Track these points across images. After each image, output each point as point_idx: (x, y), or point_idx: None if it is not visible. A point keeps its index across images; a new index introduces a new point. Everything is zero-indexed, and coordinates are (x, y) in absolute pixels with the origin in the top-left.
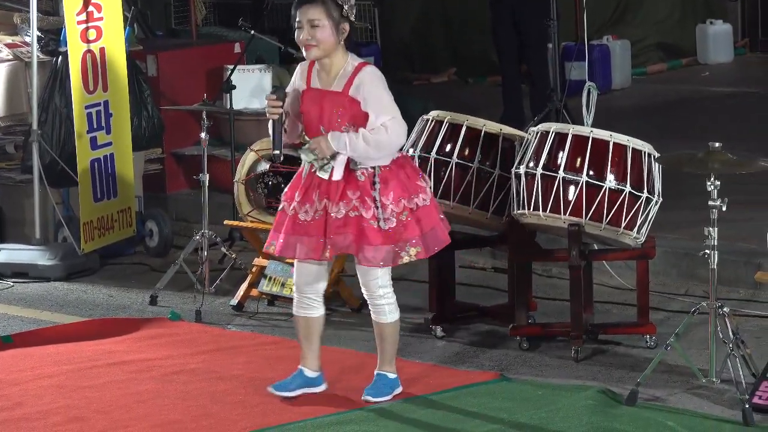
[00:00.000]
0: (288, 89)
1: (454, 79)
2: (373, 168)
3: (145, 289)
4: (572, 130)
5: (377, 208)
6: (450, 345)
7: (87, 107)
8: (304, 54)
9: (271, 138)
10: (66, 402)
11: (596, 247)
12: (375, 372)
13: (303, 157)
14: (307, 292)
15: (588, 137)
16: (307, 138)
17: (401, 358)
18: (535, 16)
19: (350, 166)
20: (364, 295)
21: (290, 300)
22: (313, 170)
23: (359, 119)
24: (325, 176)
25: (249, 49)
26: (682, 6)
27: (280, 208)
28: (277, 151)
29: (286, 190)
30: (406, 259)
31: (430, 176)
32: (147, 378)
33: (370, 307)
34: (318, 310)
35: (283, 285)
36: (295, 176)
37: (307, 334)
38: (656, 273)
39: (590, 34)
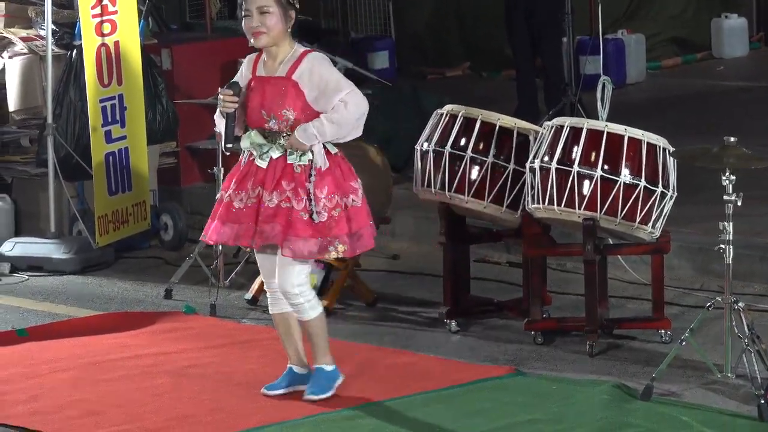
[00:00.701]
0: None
1: (468, 73)
2: (310, 161)
3: (160, 283)
4: (587, 124)
5: (310, 200)
6: (464, 339)
7: (101, 101)
8: (253, 42)
9: (223, 131)
10: (81, 395)
11: (611, 242)
12: (313, 367)
13: (243, 144)
14: (275, 288)
15: (603, 131)
16: (248, 126)
17: (415, 353)
18: (548, 9)
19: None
20: (282, 296)
21: None
22: (252, 159)
23: (302, 105)
24: (264, 165)
25: None
26: (696, 0)
27: (217, 197)
28: (230, 144)
29: (224, 179)
30: (333, 255)
31: (444, 170)
32: (162, 372)
33: (290, 307)
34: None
35: None
36: (234, 166)
37: (285, 330)
38: (671, 268)
39: (605, 28)
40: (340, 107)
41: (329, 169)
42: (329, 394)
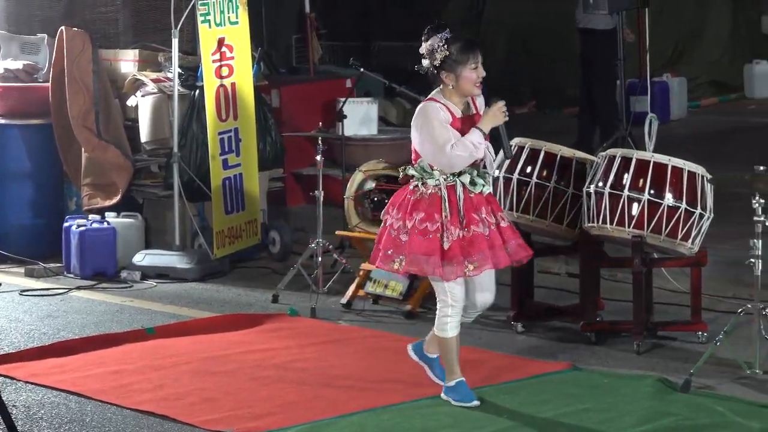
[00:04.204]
0: (443, 123)
1: (534, 110)
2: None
3: (269, 289)
4: (636, 154)
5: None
6: (528, 339)
7: (220, 133)
8: (474, 91)
9: (503, 141)
10: (200, 385)
11: (656, 256)
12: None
13: (463, 180)
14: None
15: (650, 161)
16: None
17: (486, 350)
18: (600, 57)
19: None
20: (481, 305)
21: (392, 299)
22: (465, 191)
23: None
24: (478, 190)
25: (358, 84)
26: (732, 48)
27: (423, 236)
28: (511, 154)
29: (429, 226)
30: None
31: (513, 194)
32: (269, 365)
33: (466, 317)
34: None
35: (386, 286)
36: (425, 205)
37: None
38: (708, 278)
39: (652, 72)
40: None
41: None
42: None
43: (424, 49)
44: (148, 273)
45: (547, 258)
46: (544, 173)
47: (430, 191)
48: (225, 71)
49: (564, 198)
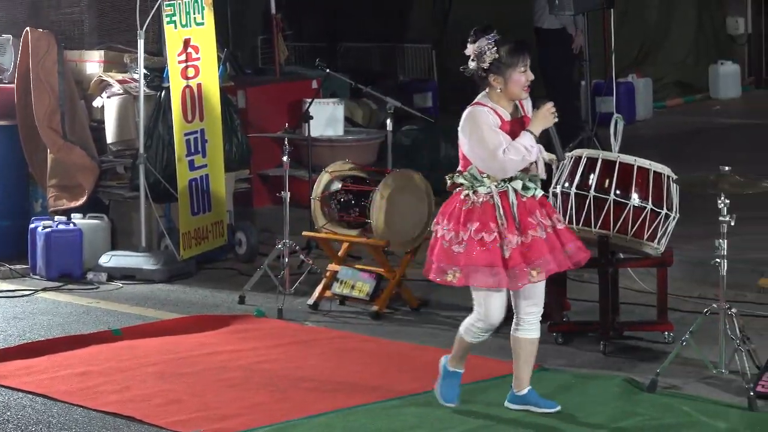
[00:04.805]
0: (492, 127)
1: None
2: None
3: (235, 290)
4: (602, 155)
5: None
6: (496, 340)
7: (186, 134)
8: (523, 95)
9: (554, 144)
10: (166, 386)
11: (622, 256)
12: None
13: (515, 185)
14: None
15: (615, 161)
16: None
17: None
18: (554, 56)
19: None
20: (533, 311)
21: (358, 300)
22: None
23: None
24: (530, 193)
25: (324, 85)
26: (696, 49)
27: (490, 240)
28: (563, 155)
29: (483, 236)
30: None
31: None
32: (236, 366)
33: (526, 324)
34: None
35: (352, 287)
36: (476, 213)
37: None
38: (674, 279)
39: (617, 73)
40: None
41: None
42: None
43: (471, 51)
44: (114, 274)
45: None
46: None
47: (481, 199)
48: (191, 72)
49: None
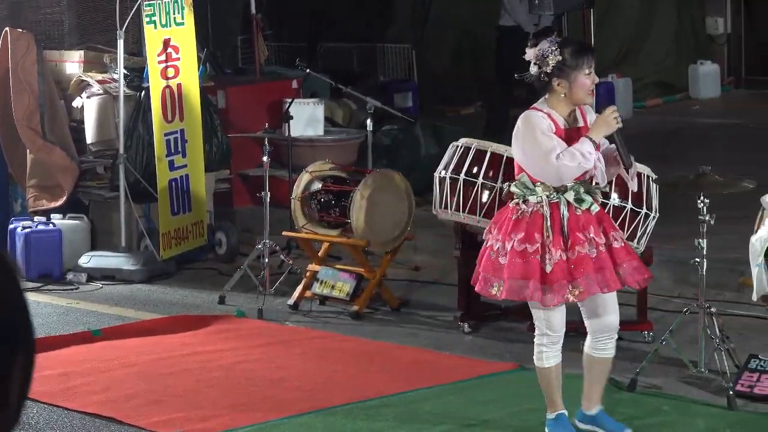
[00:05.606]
0: (546, 132)
1: (480, 110)
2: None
3: (215, 291)
4: None
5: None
6: (476, 339)
7: (166, 134)
8: (588, 99)
9: (619, 150)
10: (147, 387)
11: None
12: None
13: (569, 197)
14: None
15: None
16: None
17: (433, 351)
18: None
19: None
20: (605, 329)
21: (339, 300)
22: (571, 208)
23: None
24: (585, 206)
25: (304, 85)
26: (676, 49)
27: (520, 259)
28: (632, 159)
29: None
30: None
31: (459, 194)
32: (216, 366)
33: (599, 343)
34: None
35: (333, 287)
36: (521, 224)
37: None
38: (654, 278)
39: (597, 73)
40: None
41: None
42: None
43: (532, 55)
44: (94, 275)
45: None
46: (491, 173)
47: (531, 209)
48: (171, 72)
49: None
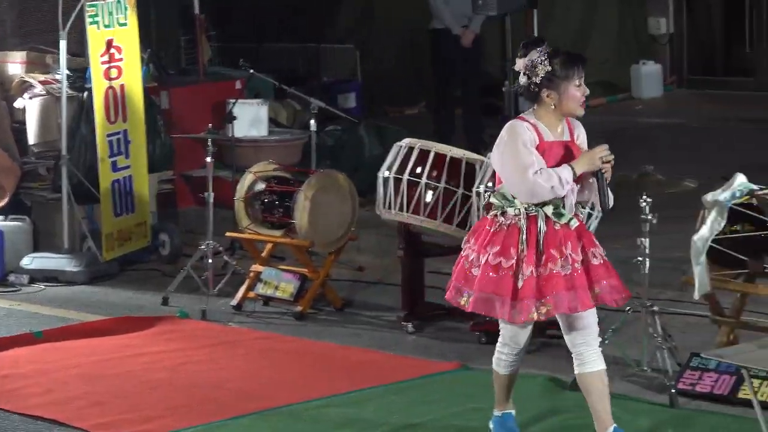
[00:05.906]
0: (528, 145)
1: (423, 111)
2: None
3: (158, 292)
4: None
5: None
6: (419, 339)
7: (109, 135)
8: (579, 111)
9: (600, 192)
10: (89, 389)
11: None
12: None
13: (548, 211)
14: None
15: None
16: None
17: (376, 351)
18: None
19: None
20: (583, 342)
21: (282, 300)
22: (550, 223)
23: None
24: (564, 221)
25: (248, 85)
26: (619, 49)
27: (493, 273)
28: (612, 204)
29: (506, 263)
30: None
31: (403, 195)
32: (159, 368)
33: (584, 357)
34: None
35: (276, 288)
36: (498, 237)
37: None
38: None
39: None
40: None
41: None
42: None
43: (521, 65)
44: (36, 276)
45: (437, 258)
46: (434, 174)
47: (509, 222)
48: (114, 73)
49: (454, 198)
